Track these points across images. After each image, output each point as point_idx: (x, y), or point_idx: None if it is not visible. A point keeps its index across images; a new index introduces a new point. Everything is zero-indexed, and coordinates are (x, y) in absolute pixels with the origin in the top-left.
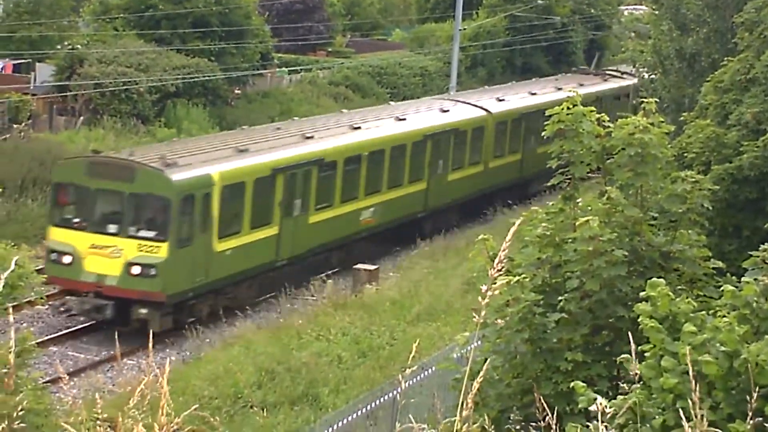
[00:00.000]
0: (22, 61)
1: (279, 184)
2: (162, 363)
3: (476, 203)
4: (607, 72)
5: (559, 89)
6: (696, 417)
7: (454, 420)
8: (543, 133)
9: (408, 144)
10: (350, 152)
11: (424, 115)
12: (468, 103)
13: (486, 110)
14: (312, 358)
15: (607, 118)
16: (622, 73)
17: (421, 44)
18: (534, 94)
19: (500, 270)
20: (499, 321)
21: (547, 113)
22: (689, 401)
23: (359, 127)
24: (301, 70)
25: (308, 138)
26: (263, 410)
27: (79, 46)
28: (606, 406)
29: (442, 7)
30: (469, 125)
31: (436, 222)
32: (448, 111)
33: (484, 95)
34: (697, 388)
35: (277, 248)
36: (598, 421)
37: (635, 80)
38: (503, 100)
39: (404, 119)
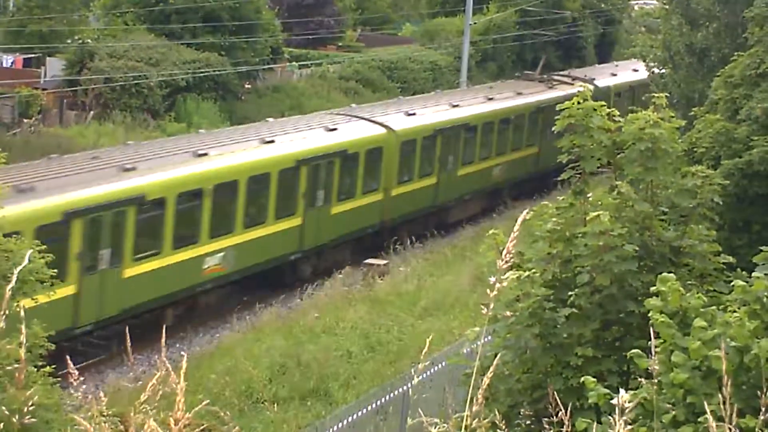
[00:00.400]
0: (33, 55)
1: (76, 231)
2: (171, 358)
3: (375, 238)
4: (555, 78)
5: (490, 99)
6: (725, 414)
7: (463, 415)
8: (464, 150)
9: (273, 173)
10: (186, 186)
11: (301, 136)
12: (366, 119)
13: (387, 127)
14: (322, 353)
15: (618, 113)
16: (573, 78)
17: (432, 39)
18: (456, 106)
19: (508, 262)
20: (508, 313)
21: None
22: (720, 396)
23: (205, 154)
24: (311, 64)
25: (128, 170)
26: (274, 405)
27: (89, 41)
28: (627, 401)
29: (453, 2)
30: (362, 146)
31: (319, 263)
32: (335, 130)
33: (391, 108)
34: (729, 383)
35: (76, 311)
36: (616, 415)
37: (588, 86)
38: (413, 114)
39: (272, 141)
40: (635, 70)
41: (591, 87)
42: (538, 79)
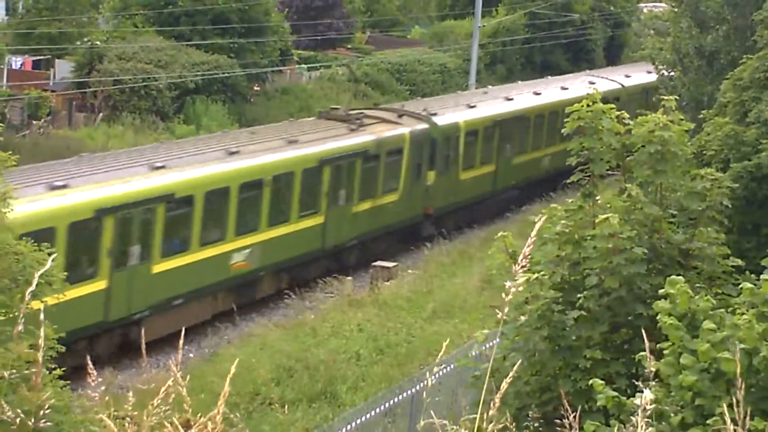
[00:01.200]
0: (42, 57)
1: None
2: (180, 360)
3: None
4: (370, 116)
5: (232, 155)
6: (738, 416)
7: (473, 417)
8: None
9: None
10: None
11: None
12: None
13: None
14: (330, 356)
15: (627, 116)
16: (401, 115)
17: (441, 41)
18: (159, 167)
19: (524, 267)
20: (522, 317)
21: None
22: (734, 399)
23: None
24: (320, 66)
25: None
26: (284, 407)
27: (98, 43)
28: (649, 401)
29: (462, 4)
30: None
31: None
32: None
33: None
34: (742, 386)
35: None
36: (638, 416)
37: (421, 125)
38: (61, 186)
39: None
40: (509, 99)
41: (425, 126)
42: (342, 119)
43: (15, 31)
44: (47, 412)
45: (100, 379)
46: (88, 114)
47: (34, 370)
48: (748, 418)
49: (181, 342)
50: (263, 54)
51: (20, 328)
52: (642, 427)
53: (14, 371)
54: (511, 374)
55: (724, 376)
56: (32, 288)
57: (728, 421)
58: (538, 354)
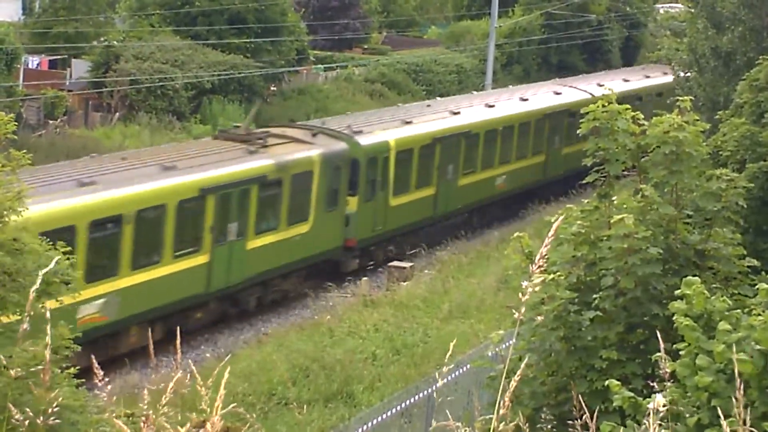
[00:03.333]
0: (58, 56)
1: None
2: (197, 360)
3: None
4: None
5: (455, 114)
6: (739, 416)
7: (489, 418)
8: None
9: None
10: None
11: None
12: None
13: None
14: (346, 356)
15: (642, 116)
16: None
17: (457, 41)
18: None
19: (541, 267)
20: (539, 318)
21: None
22: (733, 399)
23: None
24: (336, 67)
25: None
26: (303, 407)
27: (115, 42)
28: (661, 405)
29: (478, 5)
30: None
31: None
32: None
33: None
34: (742, 386)
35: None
36: (650, 418)
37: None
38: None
39: None
40: (252, 153)
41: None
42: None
43: (32, 31)
44: (56, 409)
45: (107, 379)
46: (105, 113)
47: (41, 367)
48: (754, 418)
49: (177, 342)
50: (280, 54)
51: (26, 326)
52: (654, 429)
53: (21, 371)
54: (519, 372)
55: (741, 376)
56: (36, 287)
57: (724, 424)
58: (554, 354)
